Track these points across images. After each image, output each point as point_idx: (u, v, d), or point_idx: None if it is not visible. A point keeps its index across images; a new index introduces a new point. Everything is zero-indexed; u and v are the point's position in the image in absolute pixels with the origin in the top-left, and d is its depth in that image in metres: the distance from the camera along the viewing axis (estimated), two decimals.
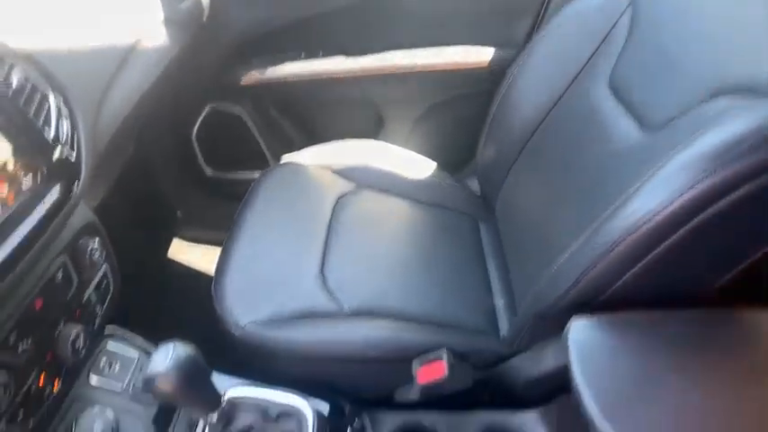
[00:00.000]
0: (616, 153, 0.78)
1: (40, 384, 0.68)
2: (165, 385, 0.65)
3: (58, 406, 0.77)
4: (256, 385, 0.87)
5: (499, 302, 1.05)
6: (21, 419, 0.66)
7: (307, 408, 0.83)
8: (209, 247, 1.57)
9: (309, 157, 1.29)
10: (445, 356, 0.82)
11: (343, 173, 1.25)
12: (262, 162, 1.50)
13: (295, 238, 1.08)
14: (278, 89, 1.41)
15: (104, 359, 0.87)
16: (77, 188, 0.67)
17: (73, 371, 0.76)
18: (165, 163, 1.53)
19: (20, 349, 0.64)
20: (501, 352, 0.92)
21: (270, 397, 0.85)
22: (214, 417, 0.74)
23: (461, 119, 1.42)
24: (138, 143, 1.27)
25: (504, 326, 1.00)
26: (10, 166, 0.59)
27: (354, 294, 0.97)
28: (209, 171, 1.58)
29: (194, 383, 0.67)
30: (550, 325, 0.78)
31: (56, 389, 0.71)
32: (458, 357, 0.85)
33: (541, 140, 1.03)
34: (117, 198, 1.36)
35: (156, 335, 0.84)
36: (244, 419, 0.77)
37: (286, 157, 1.32)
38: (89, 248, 0.74)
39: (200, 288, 1.04)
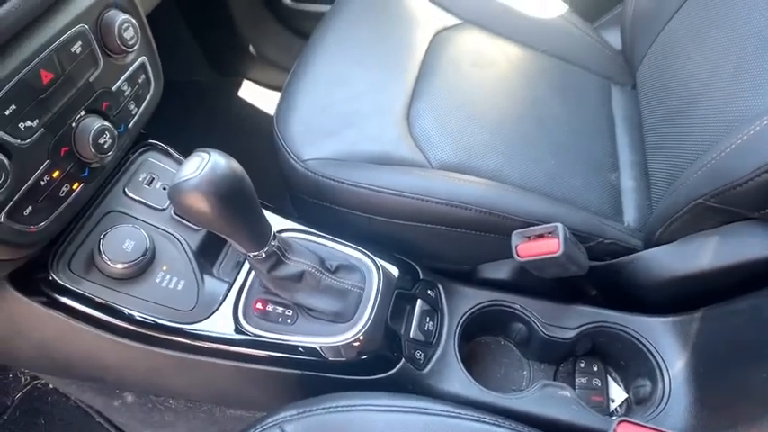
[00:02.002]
0: None
1: (53, 176, 0.55)
2: (195, 199, 0.49)
3: (83, 213, 0.66)
4: (315, 234, 0.72)
5: (627, 183, 0.83)
6: (28, 213, 0.54)
7: (372, 264, 0.67)
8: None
9: None
10: (561, 231, 0.61)
11: (445, 3, 1.00)
12: None
13: (379, 70, 0.87)
14: None
15: (144, 174, 0.73)
16: None
17: (99, 175, 0.62)
18: None
19: (21, 126, 0.50)
20: (627, 242, 0.72)
21: (330, 245, 0.70)
22: (262, 253, 0.59)
23: None
24: None
25: (630, 212, 0.80)
26: None
27: (445, 147, 0.78)
28: (288, 0, 1.39)
29: (235, 204, 0.51)
30: (713, 215, 0.62)
31: (75, 190, 0.58)
32: (573, 237, 0.65)
33: None
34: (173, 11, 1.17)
35: None
36: (295, 265, 0.62)
37: None
38: (117, 23, 0.57)
39: (265, 130, 0.87)
